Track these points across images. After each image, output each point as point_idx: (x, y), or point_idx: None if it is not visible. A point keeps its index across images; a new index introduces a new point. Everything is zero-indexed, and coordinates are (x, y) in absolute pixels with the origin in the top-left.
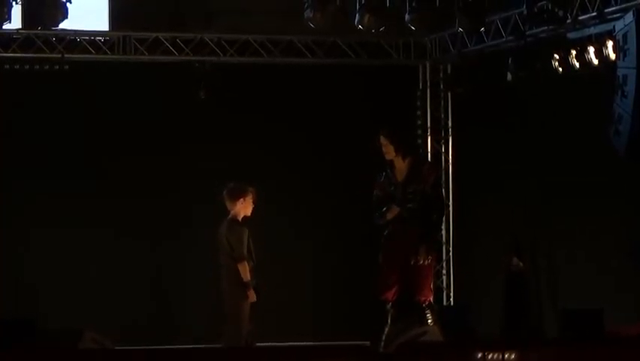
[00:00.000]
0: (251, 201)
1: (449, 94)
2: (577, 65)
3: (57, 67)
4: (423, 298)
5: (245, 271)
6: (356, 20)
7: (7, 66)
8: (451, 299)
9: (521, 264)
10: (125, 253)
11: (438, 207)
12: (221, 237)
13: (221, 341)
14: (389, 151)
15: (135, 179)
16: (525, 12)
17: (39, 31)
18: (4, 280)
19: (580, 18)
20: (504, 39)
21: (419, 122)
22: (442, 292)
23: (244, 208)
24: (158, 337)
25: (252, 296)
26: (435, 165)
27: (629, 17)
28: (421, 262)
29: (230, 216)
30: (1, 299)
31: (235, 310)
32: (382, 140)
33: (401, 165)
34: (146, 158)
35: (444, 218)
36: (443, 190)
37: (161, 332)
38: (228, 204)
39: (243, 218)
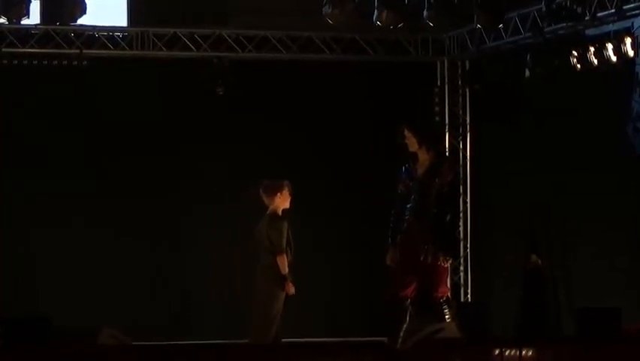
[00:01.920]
0: (288, 194)
1: (467, 90)
2: (595, 62)
3: (75, 62)
4: (440, 295)
5: (283, 263)
6: (374, 17)
7: (26, 61)
8: (469, 296)
9: (539, 261)
10: (125, 252)
11: (451, 208)
12: (261, 232)
13: (249, 339)
14: (412, 143)
15: (137, 178)
16: (544, 9)
17: (57, 26)
18: (4, 280)
19: (598, 15)
20: (522, 36)
21: (437, 118)
22: (460, 288)
23: (282, 202)
24: (158, 336)
25: (291, 289)
26: (454, 164)
27: None
28: (432, 261)
29: (269, 211)
30: (2, 299)
31: (268, 308)
32: (406, 132)
33: (424, 159)
34: (153, 157)
35: (460, 216)
36: (460, 190)
37: (161, 332)
38: (266, 200)
39: (282, 211)
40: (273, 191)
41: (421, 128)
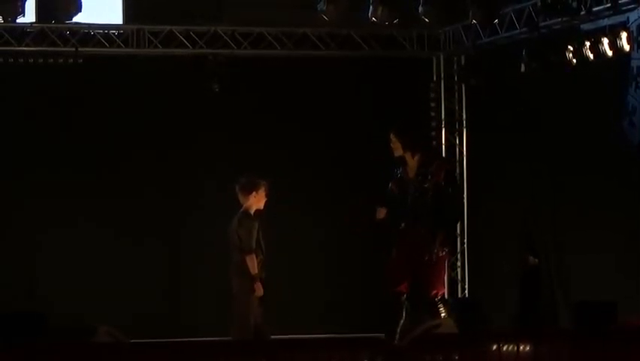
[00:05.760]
0: (264, 194)
1: (463, 86)
2: (591, 56)
3: (71, 60)
4: (435, 292)
5: (252, 263)
6: (369, 12)
7: (21, 60)
8: (466, 291)
9: (537, 261)
10: (129, 251)
11: (452, 203)
12: (232, 231)
13: (229, 336)
14: (397, 148)
15: (141, 174)
16: (539, 3)
17: (53, 24)
18: (8, 279)
19: (594, 9)
20: (518, 31)
21: (433, 114)
22: (457, 284)
23: (257, 202)
24: (161, 334)
25: (259, 290)
26: (445, 162)
27: None
28: (437, 254)
29: (242, 210)
30: (7, 299)
31: (242, 304)
32: (391, 136)
33: (412, 162)
34: (157, 153)
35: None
36: (459, 185)
37: (164, 330)
38: (241, 198)
39: (255, 212)
40: (249, 189)
41: (406, 133)
